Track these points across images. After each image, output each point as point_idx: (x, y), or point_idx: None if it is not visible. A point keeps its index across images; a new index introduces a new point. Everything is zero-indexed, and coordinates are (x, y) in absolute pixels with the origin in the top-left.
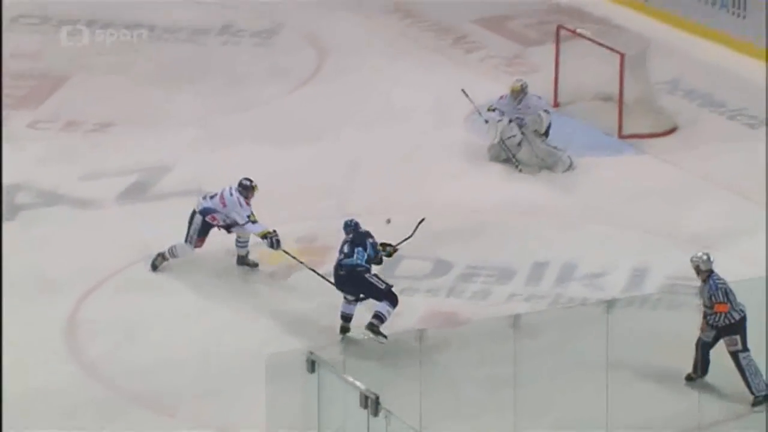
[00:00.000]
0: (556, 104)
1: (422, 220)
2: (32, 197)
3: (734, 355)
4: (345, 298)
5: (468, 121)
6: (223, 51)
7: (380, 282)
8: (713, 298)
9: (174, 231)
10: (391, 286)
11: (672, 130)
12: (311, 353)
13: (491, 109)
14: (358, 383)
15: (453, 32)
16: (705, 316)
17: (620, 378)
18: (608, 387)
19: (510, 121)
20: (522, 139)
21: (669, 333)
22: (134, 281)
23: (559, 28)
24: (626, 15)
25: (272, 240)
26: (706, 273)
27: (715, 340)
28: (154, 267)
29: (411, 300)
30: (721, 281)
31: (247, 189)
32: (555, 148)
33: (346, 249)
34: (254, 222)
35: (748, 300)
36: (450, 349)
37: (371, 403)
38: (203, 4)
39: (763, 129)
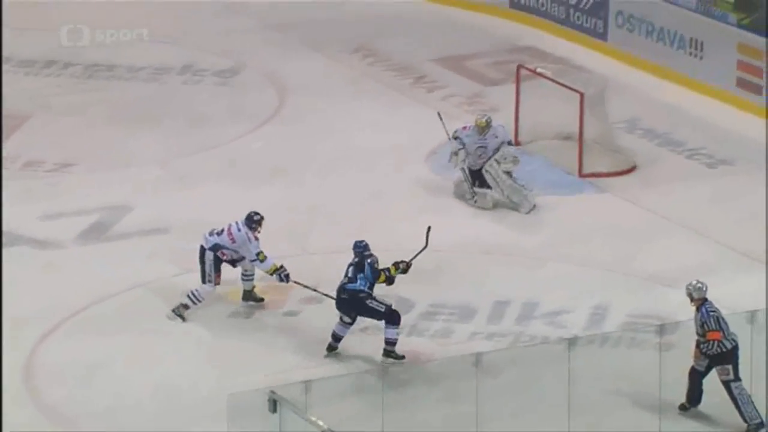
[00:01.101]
0: (517, 143)
1: (429, 228)
2: None
3: (726, 385)
4: (341, 318)
5: (429, 160)
6: (184, 90)
7: (380, 305)
8: (705, 325)
9: (134, 271)
10: (391, 306)
11: (631, 169)
12: (273, 392)
13: (454, 137)
14: (320, 422)
15: (414, 71)
16: (698, 344)
17: (582, 416)
18: (569, 426)
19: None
20: (487, 174)
21: (631, 371)
22: (94, 322)
23: (519, 67)
24: (586, 55)
25: (281, 275)
26: (699, 301)
27: (708, 369)
28: (181, 317)
29: (373, 338)
30: (714, 309)
31: (255, 222)
32: (522, 186)
33: (350, 273)
34: (263, 260)
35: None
36: (412, 387)
37: None
38: (164, 43)
39: (722, 168)
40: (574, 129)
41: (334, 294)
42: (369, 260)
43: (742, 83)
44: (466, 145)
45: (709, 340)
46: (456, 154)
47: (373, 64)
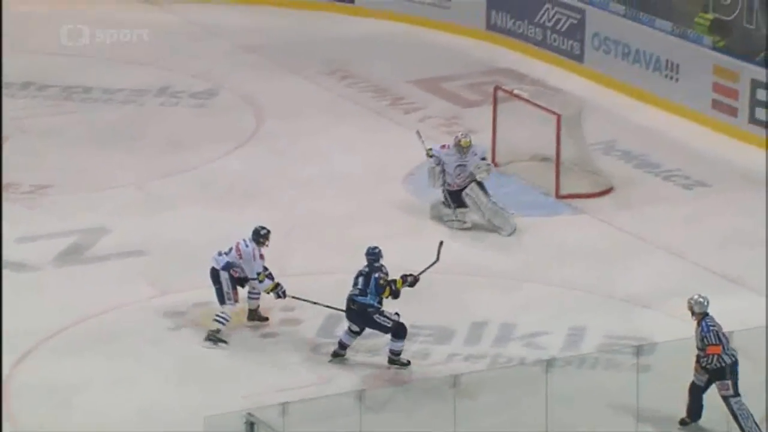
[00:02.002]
0: (495, 164)
1: (441, 242)
2: None
3: (726, 400)
4: (349, 328)
5: (406, 181)
6: (161, 112)
7: (387, 321)
8: (705, 340)
9: (111, 294)
10: (397, 321)
11: (608, 191)
12: (250, 415)
13: (429, 155)
14: None
15: (391, 93)
16: (698, 358)
17: None
18: None
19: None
20: (468, 198)
21: (608, 392)
22: (71, 344)
23: (497, 89)
24: (562, 77)
25: (278, 293)
26: (699, 315)
27: (708, 384)
28: (221, 341)
29: (351, 360)
30: (714, 324)
31: (262, 237)
32: (503, 208)
33: (360, 284)
34: (261, 281)
35: None
36: (390, 409)
37: None
38: (141, 65)
39: (698, 189)
40: (551, 150)
41: (330, 304)
42: (376, 275)
43: (717, 105)
44: (445, 164)
45: (708, 355)
46: (434, 169)
47: (350, 85)
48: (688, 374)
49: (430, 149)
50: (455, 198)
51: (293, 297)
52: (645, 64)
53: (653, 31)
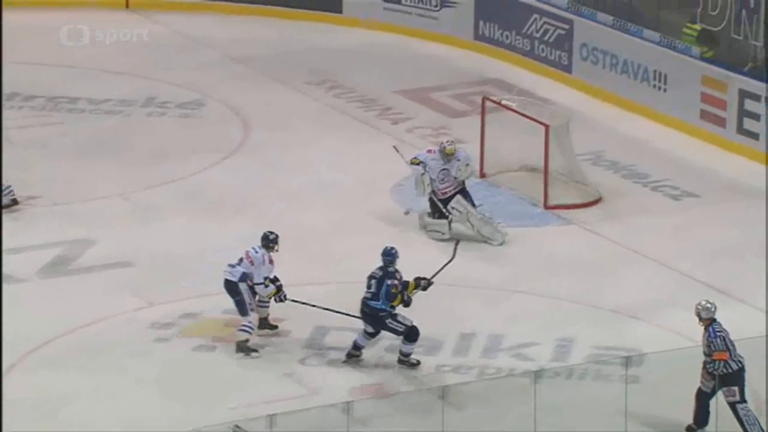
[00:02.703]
0: (483, 175)
1: (458, 241)
2: None
3: (732, 406)
4: (365, 330)
5: (394, 192)
6: (148, 123)
7: (400, 326)
8: (712, 346)
9: (97, 305)
10: (410, 326)
11: (596, 201)
12: (237, 427)
13: (415, 162)
14: None
15: (379, 104)
16: (704, 364)
17: None
18: None
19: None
20: (455, 210)
21: (597, 403)
22: (57, 357)
23: (485, 99)
24: (550, 87)
25: (279, 297)
26: (707, 321)
27: (714, 390)
28: (252, 350)
29: (338, 372)
30: (721, 330)
31: (271, 242)
32: (491, 218)
33: (373, 287)
34: (267, 286)
35: (692, 369)
36: (378, 421)
37: None
38: (127, 75)
39: (686, 200)
40: (539, 161)
41: (329, 307)
42: (388, 282)
43: (705, 115)
44: (430, 169)
45: (715, 360)
46: (422, 176)
47: (338, 96)
48: (676, 385)
49: (415, 158)
50: (438, 207)
51: (293, 300)
52: (633, 75)
53: (641, 42)
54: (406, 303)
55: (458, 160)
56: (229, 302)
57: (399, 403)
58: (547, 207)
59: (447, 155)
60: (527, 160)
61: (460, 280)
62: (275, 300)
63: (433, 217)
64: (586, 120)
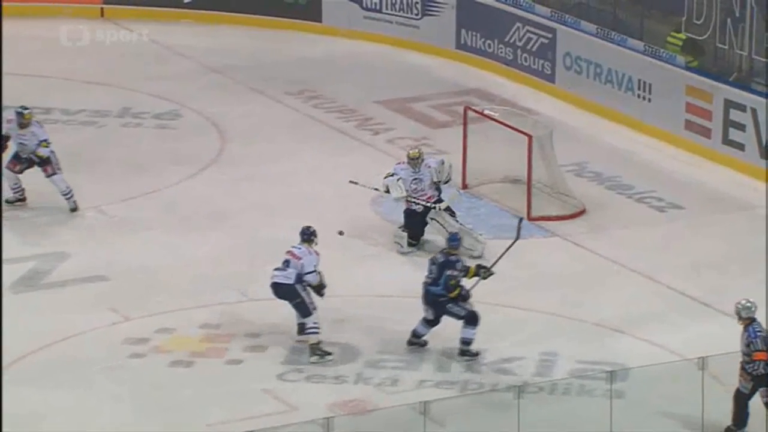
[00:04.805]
0: (465, 186)
1: (521, 219)
2: None
3: None
4: (424, 318)
5: (375, 203)
6: (123, 133)
7: (461, 311)
8: (752, 345)
9: (71, 320)
10: (471, 311)
11: (580, 213)
12: None
13: (389, 175)
14: None
15: (359, 113)
16: (742, 365)
17: None
18: None
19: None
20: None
21: (581, 418)
22: (30, 373)
23: (467, 109)
24: (533, 97)
25: (320, 290)
26: (746, 320)
27: (753, 391)
28: (326, 353)
29: (318, 387)
30: (761, 330)
31: (311, 234)
32: (470, 229)
33: (434, 273)
34: (320, 272)
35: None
36: None
37: None
38: (102, 85)
39: (671, 212)
40: (522, 172)
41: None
42: (448, 272)
43: (690, 126)
44: (402, 180)
45: (754, 361)
46: (397, 181)
47: (317, 106)
48: (661, 400)
49: (389, 172)
50: (408, 219)
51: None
52: (617, 85)
53: (625, 51)
54: (464, 298)
55: (429, 167)
56: (205, 317)
57: (379, 420)
58: (530, 219)
59: (411, 159)
60: (510, 171)
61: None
62: (320, 294)
63: (404, 231)
64: (570, 130)
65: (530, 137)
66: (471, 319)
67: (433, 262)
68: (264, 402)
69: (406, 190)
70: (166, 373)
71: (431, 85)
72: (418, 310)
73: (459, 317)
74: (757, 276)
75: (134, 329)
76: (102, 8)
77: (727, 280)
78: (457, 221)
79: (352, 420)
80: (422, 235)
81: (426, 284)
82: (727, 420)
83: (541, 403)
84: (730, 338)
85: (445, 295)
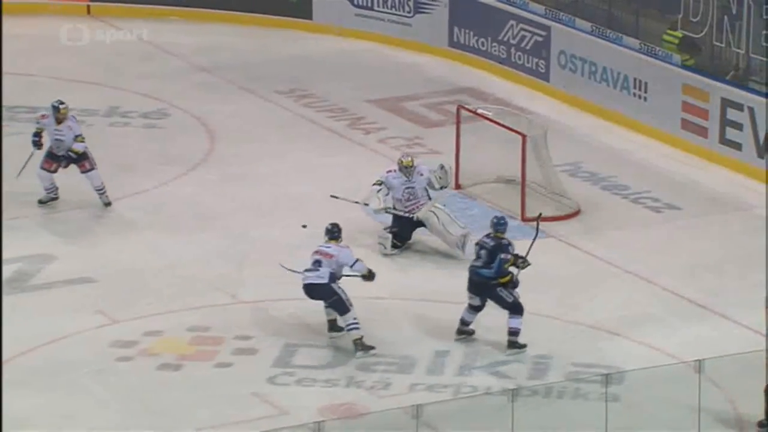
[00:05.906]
0: (458, 186)
1: (540, 214)
2: None
3: None
4: (470, 304)
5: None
6: (111, 133)
7: (509, 296)
8: None
9: (57, 323)
10: (517, 299)
11: (575, 214)
12: None
13: (377, 183)
14: None
15: (350, 113)
16: None
17: None
18: None
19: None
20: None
21: (576, 422)
22: (16, 376)
23: (460, 108)
24: (527, 96)
25: (371, 276)
26: None
27: None
28: (370, 347)
29: (309, 391)
30: None
31: (337, 231)
32: (462, 226)
33: (483, 257)
34: (361, 261)
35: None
36: None
37: None
38: (89, 84)
39: (667, 212)
40: (516, 172)
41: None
42: (502, 255)
43: (687, 125)
44: (393, 189)
45: None
46: (378, 192)
47: (308, 105)
48: (657, 404)
49: (378, 180)
50: (397, 220)
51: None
52: (612, 83)
53: (621, 49)
54: (514, 285)
55: (421, 175)
56: (194, 319)
57: (371, 423)
58: (524, 219)
59: (405, 168)
60: (504, 171)
61: (434, 295)
62: (371, 279)
63: (389, 232)
64: (564, 130)
65: (524, 137)
66: (516, 308)
67: (482, 246)
68: (254, 406)
69: (397, 199)
70: (154, 377)
71: (424, 83)
72: (411, 313)
73: (505, 304)
74: (755, 277)
75: (122, 332)
76: (89, 6)
77: (724, 282)
78: (445, 210)
79: (343, 424)
80: (409, 239)
81: (475, 267)
82: (725, 424)
83: (536, 407)
84: (727, 341)
85: (496, 279)
